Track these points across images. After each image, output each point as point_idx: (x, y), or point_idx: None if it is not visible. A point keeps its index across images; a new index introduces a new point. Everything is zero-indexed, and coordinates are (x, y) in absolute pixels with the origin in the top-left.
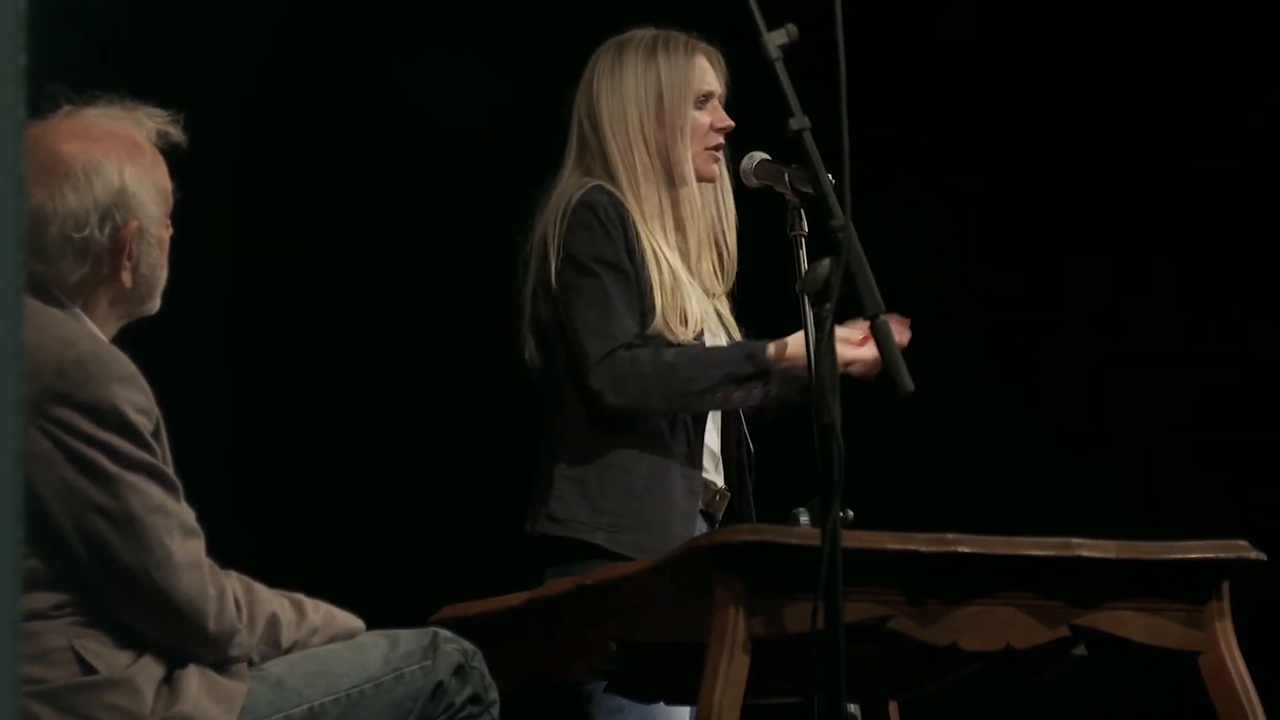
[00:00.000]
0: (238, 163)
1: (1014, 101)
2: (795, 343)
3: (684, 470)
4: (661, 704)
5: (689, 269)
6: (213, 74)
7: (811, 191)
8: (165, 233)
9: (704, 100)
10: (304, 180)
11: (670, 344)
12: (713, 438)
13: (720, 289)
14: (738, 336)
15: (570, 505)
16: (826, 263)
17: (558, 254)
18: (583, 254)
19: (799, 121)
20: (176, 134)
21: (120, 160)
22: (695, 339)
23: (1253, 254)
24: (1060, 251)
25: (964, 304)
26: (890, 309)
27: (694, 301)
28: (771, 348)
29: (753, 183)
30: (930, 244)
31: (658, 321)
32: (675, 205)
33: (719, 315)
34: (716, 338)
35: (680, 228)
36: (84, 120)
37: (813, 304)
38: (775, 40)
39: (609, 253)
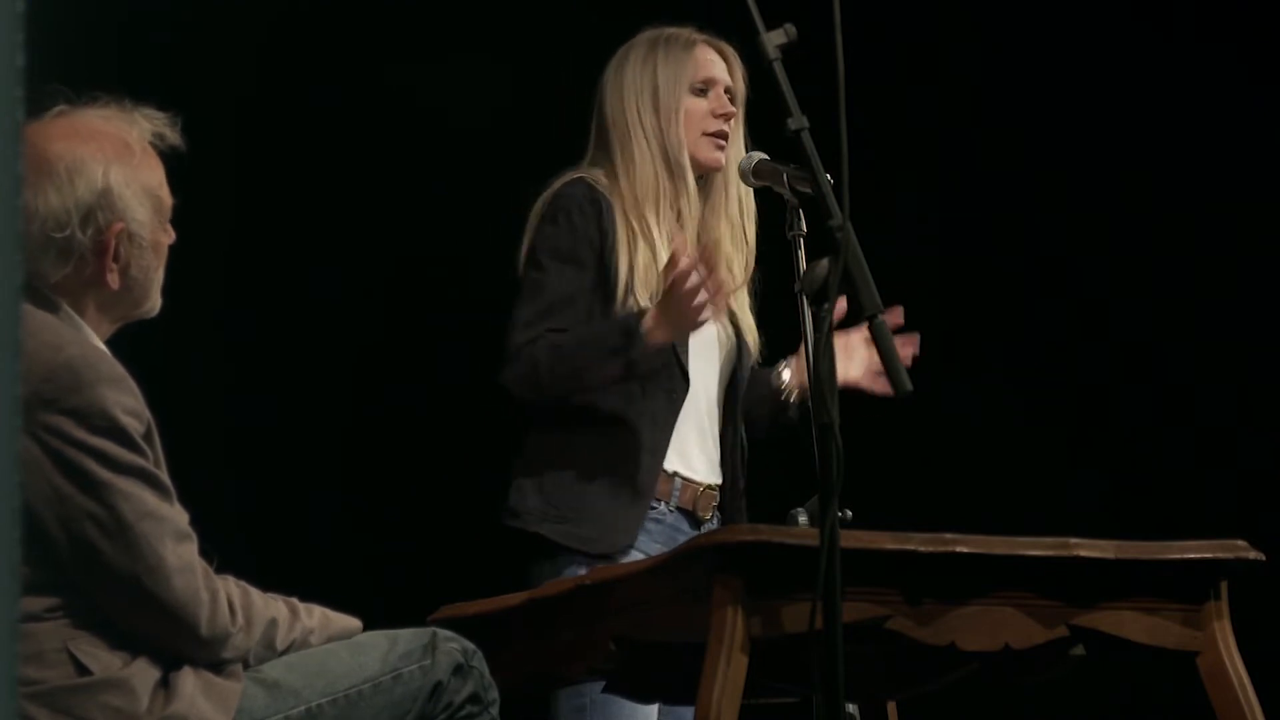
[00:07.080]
0: (233, 158)
1: (1013, 100)
2: (662, 314)
3: (640, 463)
4: (625, 704)
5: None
6: (211, 73)
7: (810, 191)
8: (162, 237)
9: (703, 88)
10: (300, 179)
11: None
12: (702, 435)
13: (735, 282)
14: (752, 333)
15: (527, 498)
16: (825, 263)
17: (525, 249)
18: (540, 247)
19: (797, 121)
20: (174, 136)
21: (106, 161)
22: None
23: (1253, 253)
24: (1060, 251)
25: (963, 303)
26: (888, 308)
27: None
28: (647, 318)
29: (751, 182)
30: (929, 243)
31: (630, 302)
32: (674, 194)
33: (730, 310)
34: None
35: (679, 218)
36: (74, 120)
37: (811, 304)
38: (774, 40)
39: (565, 245)
